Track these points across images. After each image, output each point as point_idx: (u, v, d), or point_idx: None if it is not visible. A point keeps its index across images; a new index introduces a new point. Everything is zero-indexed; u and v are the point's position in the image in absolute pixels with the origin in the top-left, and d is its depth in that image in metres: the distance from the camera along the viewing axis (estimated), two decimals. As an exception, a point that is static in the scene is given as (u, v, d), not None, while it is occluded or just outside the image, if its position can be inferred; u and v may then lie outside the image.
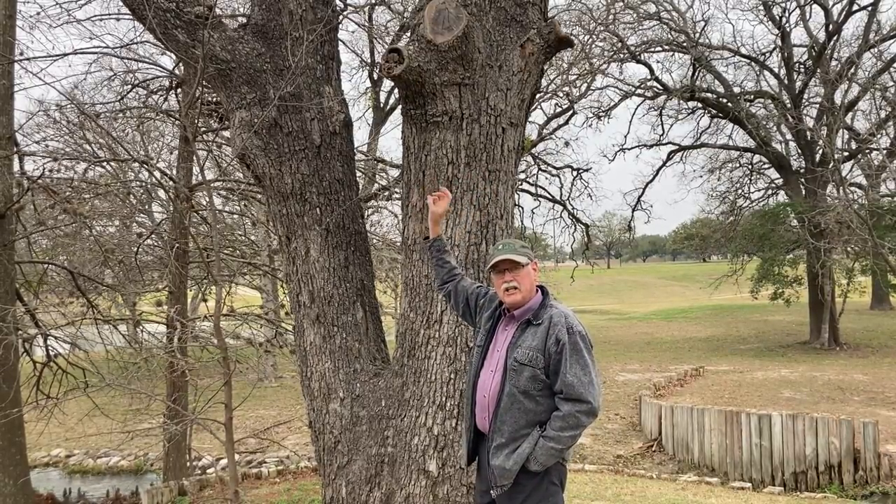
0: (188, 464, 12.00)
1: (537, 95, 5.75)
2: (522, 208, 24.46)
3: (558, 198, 24.16)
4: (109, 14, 9.49)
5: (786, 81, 27.24)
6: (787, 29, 26.93)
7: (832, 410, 13.76)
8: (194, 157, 10.79)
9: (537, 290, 3.56)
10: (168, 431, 9.77)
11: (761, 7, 27.05)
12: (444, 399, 4.24)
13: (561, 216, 25.08)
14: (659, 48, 27.50)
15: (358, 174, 5.99)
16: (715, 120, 29.53)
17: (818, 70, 25.51)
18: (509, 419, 3.38)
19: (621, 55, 25.69)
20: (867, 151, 26.26)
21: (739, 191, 31.39)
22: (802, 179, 26.77)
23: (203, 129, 11.06)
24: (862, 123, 28.45)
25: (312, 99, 4.65)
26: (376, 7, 18.25)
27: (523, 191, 22.72)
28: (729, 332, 31.91)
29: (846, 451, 11.48)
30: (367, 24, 18.14)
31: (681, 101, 28.23)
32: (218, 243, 7.89)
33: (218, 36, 4.49)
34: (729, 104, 27.33)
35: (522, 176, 22.17)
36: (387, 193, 13.60)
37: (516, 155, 4.47)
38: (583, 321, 3.47)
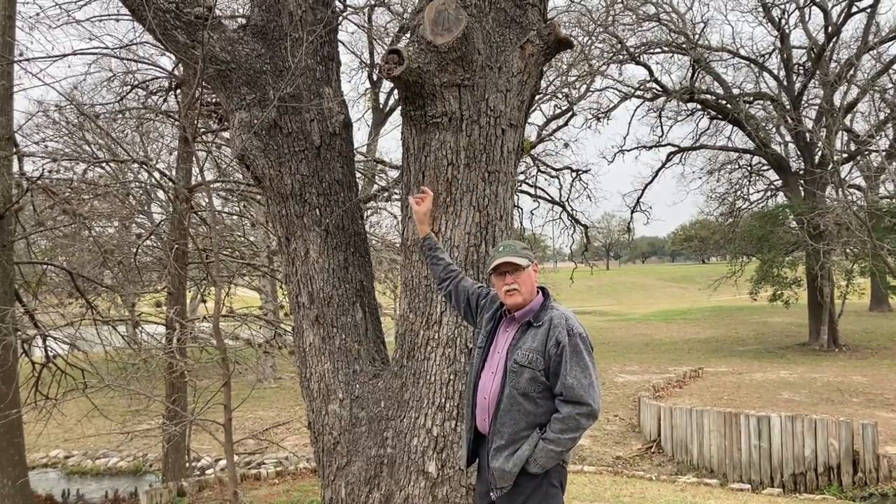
0: (187, 465, 12.00)
1: (537, 97, 5.76)
2: (522, 209, 24.43)
3: (557, 199, 24.16)
4: (109, 15, 9.46)
5: (785, 83, 27.25)
6: (787, 31, 26.96)
7: (831, 412, 13.76)
8: (194, 158, 10.79)
9: (538, 292, 3.56)
10: (167, 432, 9.76)
11: (760, 9, 27.08)
12: (443, 400, 4.24)
13: (560, 217, 25.09)
14: (658, 50, 27.53)
15: (357, 175, 5.99)
16: (714, 121, 29.56)
17: (817, 72, 25.53)
18: (509, 421, 3.38)
19: (620, 56, 25.71)
20: (866, 153, 26.30)
21: (739, 192, 31.43)
22: (801, 181, 26.79)
23: (202, 129, 11.06)
24: (861, 125, 28.52)
25: (312, 100, 4.65)
26: (376, 8, 18.27)
27: (523, 192, 22.73)
28: (728, 333, 31.92)
29: (845, 453, 11.48)
30: (366, 25, 18.15)
31: (680, 103, 28.25)
32: (217, 244, 7.89)
33: (218, 37, 4.49)
34: (728, 106, 27.35)
35: (522, 177, 22.18)
36: (386, 194, 13.61)
37: (516, 156, 4.47)
38: (582, 322, 3.47)
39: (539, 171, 23.70)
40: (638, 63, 26.89)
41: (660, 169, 30.18)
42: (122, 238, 13.11)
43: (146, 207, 14.60)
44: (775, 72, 27.83)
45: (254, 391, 11.14)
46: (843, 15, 25.03)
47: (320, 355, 4.66)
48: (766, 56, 28.09)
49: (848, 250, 25.53)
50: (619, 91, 27.78)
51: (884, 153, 25.39)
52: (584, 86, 23.09)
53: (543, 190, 24.24)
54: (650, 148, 30.09)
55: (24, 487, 9.78)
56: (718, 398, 16.53)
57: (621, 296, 64.73)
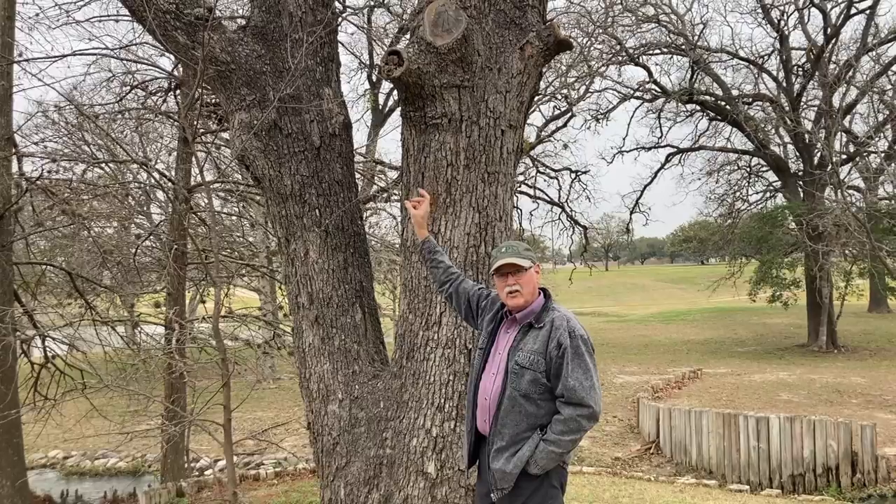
0: (186, 465, 11.99)
1: (536, 98, 5.77)
2: (521, 210, 24.47)
3: (557, 200, 24.20)
4: (109, 15, 9.48)
5: (784, 84, 27.27)
6: (786, 32, 26.97)
7: (830, 413, 13.77)
8: (193, 159, 10.78)
9: (539, 293, 3.57)
10: (166, 433, 9.76)
11: (760, 10, 27.10)
12: (442, 401, 4.25)
13: (559, 218, 25.13)
14: (657, 51, 27.54)
15: (357, 176, 5.99)
16: (713, 122, 29.58)
17: (816, 73, 25.55)
18: (510, 422, 3.38)
19: (620, 58, 25.75)
20: (865, 154, 26.31)
21: (738, 193, 31.44)
22: (801, 182, 26.81)
23: (202, 130, 11.06)
24: (860, 126, 28.54)
25: (312, 101, 4.66)
26: (375, 9, 18.28)
27: (522, 193, 22.76)
28: (727, 334, 31.93)
29: (844, 454, 11.49)
30: (366, 26, 18.17)
31: (679, 104, 28.26)
32: (216, 245, 7.89)
33: (218, 37, 4.49)
34: (727, 107, 27.37)
35: (521, 178, 22.20)
36: (385, 195, 13.61)
37: (515, 157, 4.47)
38: (581, 323, 3.48)
39: (538, 171, 23.75)
40: (637, 64, 26.91)
41: (659, 170, 30.22)
42: (122, 238, 13.11)
43: (145, 208, 14.61)
44: (774, 73, 27.86)
45: (253, 392, 11.15)
46: (842, 16, 25.06)
47: (320, 356, 4.66)
48: (766, 57, 28.13)
49: (847, 251, 25.54)
50: (619, 92, 27.83)
51: (883, 154, 25.41)
52: (584, 87, 23.16)
53: (543, 191, 24.29)
54: (649, 149, 30.12)
55: (23, 488, 9.77)
56: (717, 399, 16.53)
57: (620, 297, 64.75)
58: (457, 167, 4.21)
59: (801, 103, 27.21)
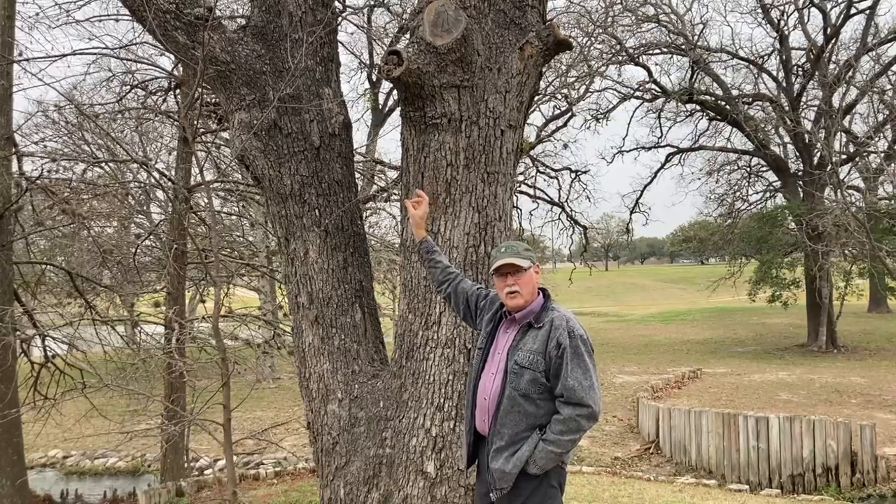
0: (186, 465, 12.00)
1: (536, 98, 5.77)
2: (521, 210, 24.47)
3: (557, 200, 24.21)
4: (109, 15, 9.48)
5: (784, 84, 27.28)
6: (786, 32, 26.98)
7: (829, 413, 13.77)
8: (193, 158, 10.78)
9: (539, 293, 3.57)
10: (166, 432, 9.76)
11: (759, 10, 27.11)
12: (442, 400, 4.25)
13: (559, 218, 25.14)
14: (657, 51, 27.55)
15: (357, 176, 5.99)
16: (713, 122, 29.59)
17: (816, 73, 25.56)
18: (509, 422, 3.38)
19: (620, 57, 25.76)
20: (865, 154, 26.32)
21: (737, 193, 31.45)
22: (800, 182, 26.82)
23: (202, 130, 11.07)
24: (860, 126, 28.56)
25: (312, 100, 4.66)
26: (375, 9, 18.28)
27: (522, 193, 22.77)
28: (727, 334, 31.94)
29: (843, 454, 11.49)
30: (366, 25, 18.17)
31: (679, 104, 28.27)
32: (216, 244, 7.90)
33: (218, 37, 4.49)
34: (727, 107, 27.38)
35: (521, 178, 22.21)
36: (385, 195, 13.62)
37: (515, 157, 4.48)
38: (581, 323, 3.48)
39: (538, 171, 23.76)
40: (637, 64, 26.92)
41: (659, 170, 30.23)
42: (121, 238, 13.11)
43: (145, 207, 14.60)
44: (774, 73, 27.88)
45: (253, 391, 11.15)
46: (842, 16, 25.07)
47: (319, 355, 4.66)
48: (765, 57, 28.14)
49: (846, 251, 25.56)
50: (618, 92, 27.85)
51: (882, 154, 25.42)
52: (584, 87, 23.17)
53: (542, 191, 24.30)
54: (649, 149, 30.13)
55: (23, 487, 9.78)
56: (717, 399, 16.54)
57: (620, 297, 64.77)
58: (456, 167, 4.21)
59: (801, 103, 27.22)
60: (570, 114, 24.01)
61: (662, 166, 30.29)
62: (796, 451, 11.71)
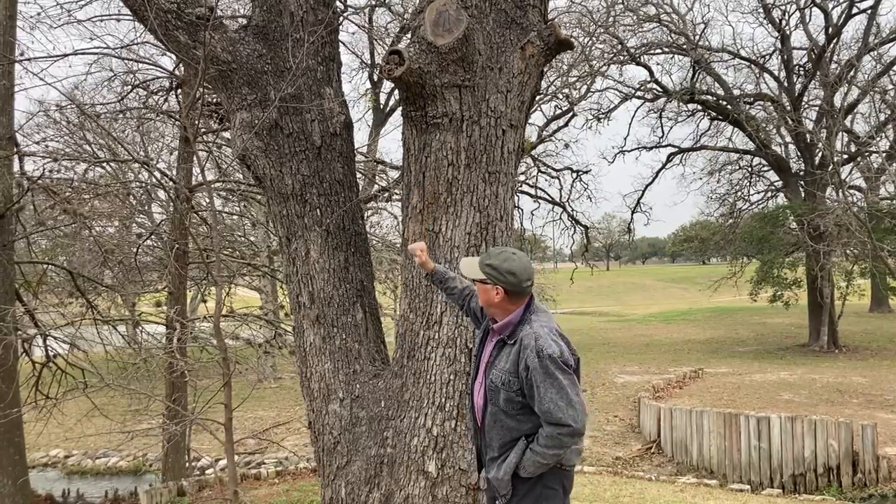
0: (187, 464, 12.00)
1: (537, 97, 5.77)
2: (522, 210, 24.50)
3: (558, 199, 24.22)
4: (110, 15, 9.49)
5: (785, 84, 27.26)
6: (787, 32, 26.96)
7: (831, 413, 13.77)
8: (194, 158, 10.78)
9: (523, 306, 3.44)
10: (167, 432, 9.77)
11: (761, 10, 27.08)
12: (443, 400, 4.25)
13: (560, 218, 25.16)
14: (659, 50, 27.54)
15: (358, 175, 5.99)
16: (714, 122, 29.56)
17: (818, 73, 25.54)
18: (495, 435, 3.41)
19: (621, 57, 25.75)
20: (866, 154, 26.30)
21: (739, 193, 31.41)
22: (802, 182, 26.79)
23: (203, 129, 11.07)
24: (861, 126, 28.53)
25: (313, 100, 4.66)
26: (376, 9, 18.28)
27: (523, 192, 22.78)
28: (728, 334, 31.92)
29: (845, 454, 11.49)
30: (367, 25, 18.17)
31: (680, 104, 28.24)
32: (218, 244, 7.90)
33: (219, 37, 4.50)
34: (728, 106, 27.36)
35: (522, 178, 22.22)
36: (386, 195, 13.62)
37: (516, 157, 4.47)
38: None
39: (539, 171, 23.77)
40: (638, 64, 26.90)
41: (660, 170, 30.21)
42: (123, 238, 13.12)
43: (147, 207, 14.61)
44: (776, 73, 27.84)
45: (254, 391, 11.15)
46: (844, 16, 25.05)
47: (321, 355, 4.66)
48: (767, 57, 28.10)
49: (848, 251, 25.53)
50: (620, 92, 27.83)
51: (884, 154, 25.39)
52: (585, 86, 23.17)
53: (544, 190, 24.31)
54: (650, 149, 30.11)
55: (25, 487, 9.79)
56: (718, 399, 16.53)
57: (621, 296, 64.77)
58: (458, 167, 4.21)
59: (803, 103, 27.20)
60: (571, 113, 24.03)
61: (664, 166, 30.28)
62: (798, 451, 11.71)
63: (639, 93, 28.32)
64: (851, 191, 26.81)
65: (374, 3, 17.76)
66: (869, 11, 24.71)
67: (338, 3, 5.48)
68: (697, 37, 26.66)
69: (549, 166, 24.19)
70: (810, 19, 26.85)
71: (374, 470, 4.38)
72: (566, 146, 24.76)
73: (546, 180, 24.57)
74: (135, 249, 11.56)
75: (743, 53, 27.85)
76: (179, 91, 11.48)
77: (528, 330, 3.28)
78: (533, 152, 22.01)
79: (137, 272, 11.92)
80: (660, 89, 28.18)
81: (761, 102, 28.45)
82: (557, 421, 3.17)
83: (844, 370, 20.75)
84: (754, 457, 12.03)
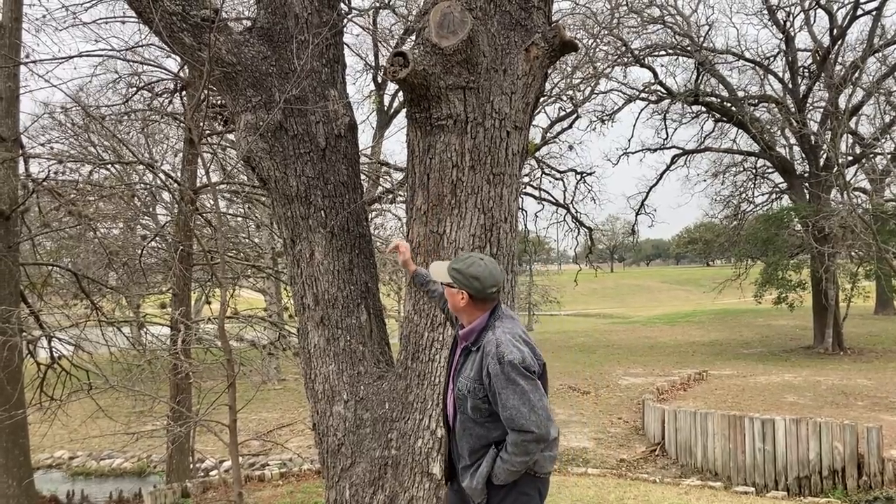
0: (191, 466, 12.02)
1: (541, 99, 5.77)
2: (526, 212, 24.52)
3: (562, 201, 24.21)
4: (115, 17, 9.51)
5: (790, 86, 27.22)
6: (792, 33, 26.92)
7: (836, 415, 13.73)
8: (199, 160, 10.83)
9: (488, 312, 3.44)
10: (171, 433, 9.78)
11: (765, 11, 27.07)
12: (447, 402, 4.25)
13: (564, 220, 25.18)
14: (663, 52, 27.51)
15: (362, 177, 6.00)
16: (719, 124, 29.53)
17: (822, 74, 25.50)
18: (465, 444, 3.42)
19: (625, 59, 25.73)
20: (871, 156, 26.25)
21: (743, 195, 31.36)
22: (806, 184, 26.75)
23: (208, 131, 11.09)
24: (866, 128, 28.46)
25: (318, 102, 4.67)
26: (381, 10, 18.29)
27: (527, 194, 22.78)
28: (732, 336, 31.87)
29: (850, 456, 11.45)
30: (371, 27, 18.18)
31: (685, 105, 28.24)
32: (222, 246, 7.91)
33: (224, 39, 4.50)
34: (733, 108, 27.33)
35: (526, 179, 22.21)
36: (391, 196, 13.64)
37: (520, 158, 4.47)
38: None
39: (543, 173, 23.75)
40: (643, 65, 26.89)
41: (664, 171, 30.20)
42: (127, 239, 13.15)
43: (151, 209, 14.65)
44: (780, 74, 27.81)
45: (258, 392, 11.17)
46: (849, 17, 25.01)
47: (325, 357, 4.67)
48: (771, 59, 28.07)
49: (853, 253, 25.47)
50: (624, 93, 27.82)
51: (889, 156, 25.34)
52: (589, 88, 23.15)
53: (548, 192, 24.31)
54: (655, 150, 30.10)
55: (29, 488, 9.81)
56: (723, 401, 16.50)
57: (625, 298, 64.71)
58: (462, 168, 4.21)
59: (807, 105, 27.15)
60: (575, 115, 24.02)
61: (668, 168, 30.26)
62: (802, 454, 11.68)
63: (643, 94, 28.30)
64: (856, 192, 26.76)
65: (378, 5, 17.76)
66: (874, 13, 24.69)
67: (342, 6, 5.48)
68: (702, 38, 26.65)
69: (553, 168, 24.18)
70: (815, 21, 26.91)
71: (379, 472, 4.38)
72: (570, 148, 24.78)
73: (550, 182, 24.60)
74: (139, 251, 11.58)
75: (747, 55, 27.84)
76: (184, 93, 11.51)
77: (491, 336, 3.28)
78: (537, 154, 22.01)
79: (142, 274, 11.93)
80: (664, 91, 28.16)
81: (766, 104, 28.42)
82: (520, 427, 3.17)
83: (849, 372, 20.69)
84: (759, 459, 12.00)
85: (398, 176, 13.84)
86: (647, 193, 29.88)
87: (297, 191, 4.63)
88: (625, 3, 23.04)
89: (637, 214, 30.15)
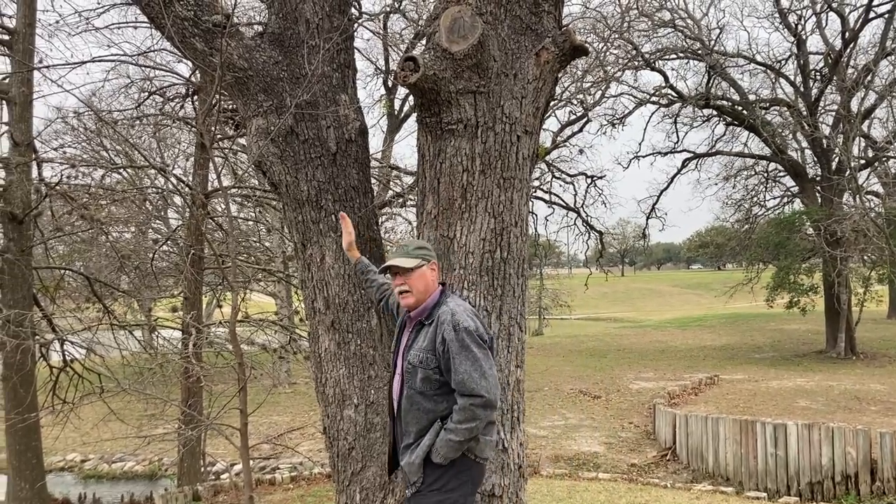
0: (202, 469, 12.06)
1: (552, 103, 5.76)
2: (536, 215, 24.49)
3: (572, 205, 24.19)
4: (127, 22, 9.59)
5: (802, 89, 27.12)
6: (803, 36, 26.82)
7: (848, 420, 13.65)
8: (210, 164, 10.87)
9: (439, 288, 3.67)
10: (183, 436, 9.82)
11: (777, 15, 26.98)
12: (458, 406, 4.24)
13: (575, 223, 25.14)
14: (674, 56, 27.45)
15: (373, 181, 6.01)
16: (730, 127, 29.44)
17: (834, 77, 25.38)
18: (412, 420, 3.51)
19: (636, 63, 25.69)
20: (884, 159, 26.11)
21: (755, 199, 31.24)
22: (818, 187, 26.64)
23: (219, 136, 11.14)
24: (879, 131, 28.33)
25: (328, 107, 4.68)
26: (391, 15, 18.34)
27: (537, 198, 22.76)
28: (744, 340, 31.73)
29: (863, 462, 11.38)
30: (381, 32, 18.23)
31: (695, 109, 28.16)
32: (233, 250, 7.93)
33: (235, 44, 4.52)
34: (744, 112, 27.24)
35: (536, 183, 22.20)
36: (401, 200, 13.65)
37: (531, 162, 4.47)
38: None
39: (554, 177, 23.74)
40: (653, 69, 26.84)
41: (675, 175, 30.10)
42: (139, 243, 13.22)
43: (163, 213, 14.72)
44: (792, 78, 27.70)
45: (269, 396, 11.20)
46: (861, 20, 24.89)
47: (335, 360, 4.67)
48: (783, 62, 27.97)
49: (865, 257, 25.35)
50: (635, 97, 27.78)
51: (902, 159, 25.22)
52: (599, 92, 23.12)
53: (558, 196, 24.30)
54: (665, 154, 30.01)
55: (42, 490, 9.86)
56: (734, 406, 16.43)
57: (636, 302, 64.52)
58: (472, 173, 4.21)
59: (819, 108, 27.04)
60: (585, 119, 23.96)
61: (679, 171, 30.17)
62: (815, 459, 11.61)
63: (653, 98, 28.25)
64: (869, 196, 26.65)
65: (388, 9, 17.81)
66: (886, 15, 24.56)
67: (353, 10, 5.50)
68: (713, 42, 26.58)
69: (563, 172, 24.15)
70: (827, 24, 26.77)
71: (389, 476, 4.38)
72: (581, 152, 24.71)
73: (560, 186, 24.65)
74: (151, 255, 11.64)
75: (758, 58, 27.76)
76: (196, 98, 11.58)
77: (445, 308, 3.50)
78: (547, 158, 21.99)
79: (153, 277, 12.00)
80: (675, 94, 28.10)
81: (777, 107, 28.31)
82: (470, 392, 3.31)
83: (862, 377, 20.57)
84: (771, 464, 11.94)
85: (408, 180, 13.87)
86: (658, 197, 29.82)
87: (307, 195, 4.64)
88: (635, 6, 23.01)
89: (648, 218, 30.08)
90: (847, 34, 25.15)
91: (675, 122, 29.27)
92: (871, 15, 24.82)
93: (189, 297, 11.57)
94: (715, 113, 28.82)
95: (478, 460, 3.51)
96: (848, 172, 23.39)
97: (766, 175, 30.63)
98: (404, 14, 17.92)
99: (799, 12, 26.63)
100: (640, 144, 40.21)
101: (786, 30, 27.14)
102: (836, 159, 25.84)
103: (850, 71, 25.59)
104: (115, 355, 11.23)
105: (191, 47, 4.55)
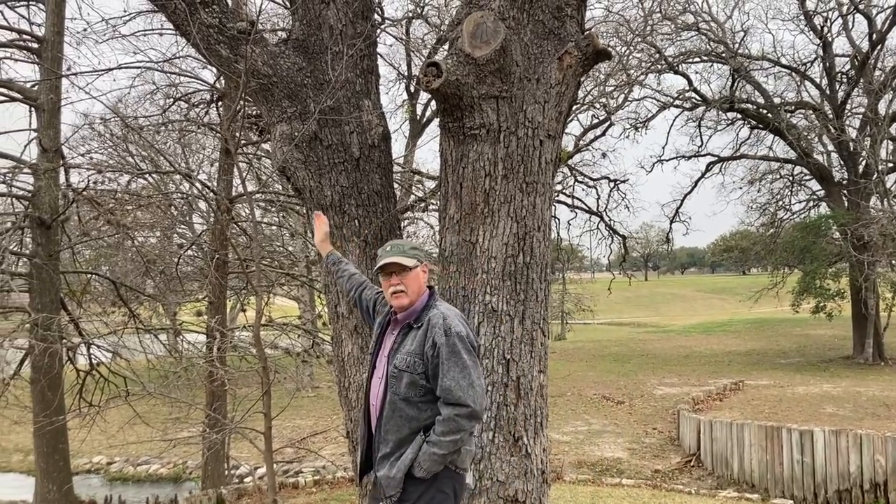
0: (226, 472, 12.13)
1: (574, 107, 5.76)
2: (559, 220, 24.36)
3: (595, 209, 24.04)
4: (153, 29, 9.69)
5: (828, 92, 26.82)
6: (829, 38, 26.52)
7: (877, 427, 13.46)
8: (235, 170, 10.95)
9: (426, 291, 3.53)
10: (207, 440, 9.89)
11: (802, 17, 26.70)
12: (480, 411, 4.24)
13: (598, 228, 24.97)
14: (697, 59, 27.26)
15: (395, 186, 6.04)
16: (755, 131, 29.15)
17: (861, 80, 25.09)
18: (392, 427, 3.35)
19: (659, 66, 25.53)
20: (912, 162, 25.73)
21: (780, 203, 30.89)
22: (845, 191, 26.32)
23: (244, 141, 11.23)
24: (906, 134, 27.92)
25: (352, 112, 4.71)
26: (414, 21, 18.38)
27: (560, 202, 22.66)
28: (769, 345, 31.40)
29: (892, 469, 11.21)
30: (404, 37, 18.28)
31: (720, 112, 27.92)
32: (257, 254, 7.99)
33: (260, 51, 4.56)
34: (769, 115, 26.98)
35: (559, 187, 22.12)
36: (423, 205, 13.67)
37: (553, 167, 4.47)
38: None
39: (576, 181, 23.63)
40: (677, 72, 26.67)
41: (699, 179, 29.85)
42: (164, 248, 13.34)
43: (188, 218, 14.85)
44: (817, 80, 27.40)
45: (292, 400, 11.24)
46: (888, 22, 24.57)
47: (359, 365, 4.69)
48: (808, 64, 27.67)
49: (894, 262, 25.00)
50: (658, 101, 27.57)
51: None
52: (622, 96, 23.00)
53: (581, 200, 24.18)
54: (689, 158, 29.76)
55: (69, 493, 9.97)
56: (759, 412, 16.26)
57: (660, 307, 64.09)
58: (495, 177, 4.21)
59: (846, 111, 26.72)
60: (608, 123, 23.85)
61: (703, 175, 29.90)
62: (843, 466, 11.46)
63: (677, 101, 28.05)
64: (896, 200, 26.22)
65: (411, 15, 17.87)
66: (914, 17, 24.24)
67: (376, 16, 5.53)
68: (737, 45, 26.37)
69: (586, 176, 24.04)
70: (853, 26, 26.41)
71: (412, 480, 4.38)
72: (603, 155, 24.54)
73: (583, 190, 24.45)
74: (176, 259, 11.75)
75: (783, 61, 27.47)
76: (220, 104, 11.67)
77: (436, 311, 3.38)
78: (570, 162, 21.92)
79: (178, 282, 12.10)
80: (698, 98, 27.89)
81: (803, 110, 28.00)
82: (457, 400, 3.19)
83: (891, 383, 20.27)
84: (797, 471, 11.80)
85: (430, 184, 13.89)
86: (682, 201, 29.57)
87: (331, 200, 4.67)
88: (658, 10, 22.87)
89: (671, 222, 29.83)
90: (874, 36, 24.86)
91: (699, 126, 29.03)
92: (899, 16, 24.52)
93: (213, 302, 11.66)
94: (739, 116, 28.56)
95: (458, 471, 3.38)
96: (875, 176, 23.10)
97: (791, 179, 30.29)
98: (426, 19, 17.96)
99: (825, 14, 26.34)
100: (663, 148, 39.99)
101: (811, 32, 26.86)
102: (864, 162, 25.52)
103: (877, 73, 25.28)
104: (140, 359, 11.34)
105: (216, 54, 4.60)
